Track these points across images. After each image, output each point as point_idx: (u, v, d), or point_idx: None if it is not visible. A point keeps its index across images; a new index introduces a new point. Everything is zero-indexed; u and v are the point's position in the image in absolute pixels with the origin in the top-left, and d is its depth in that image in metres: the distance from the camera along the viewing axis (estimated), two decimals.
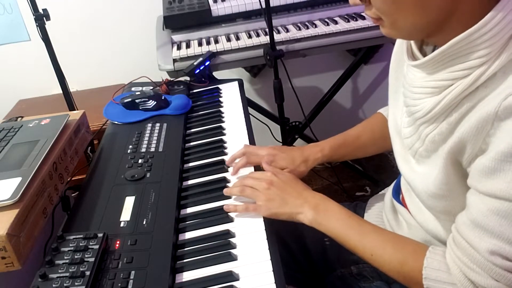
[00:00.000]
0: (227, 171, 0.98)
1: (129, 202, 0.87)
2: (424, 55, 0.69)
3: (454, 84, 0.63)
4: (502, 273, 0.61)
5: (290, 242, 1.04)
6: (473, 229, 0.63)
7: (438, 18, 0.62)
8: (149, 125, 1.15)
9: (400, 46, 0.83)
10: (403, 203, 0.88)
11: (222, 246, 0.78)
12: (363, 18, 1.54)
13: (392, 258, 0.74)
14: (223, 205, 0.87)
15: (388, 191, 0.97)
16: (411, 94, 0.71)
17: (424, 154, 0.72)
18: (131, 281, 0.70)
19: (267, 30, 1.43)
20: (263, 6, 1.41)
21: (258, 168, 0.99)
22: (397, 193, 0.92)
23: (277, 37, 1.48)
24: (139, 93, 1.23)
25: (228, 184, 0.93)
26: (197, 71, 1.38)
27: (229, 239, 0.79)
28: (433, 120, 0.69)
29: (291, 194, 0.87)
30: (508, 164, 0.57)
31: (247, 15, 1.64)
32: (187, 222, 0.85)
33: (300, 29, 1.54)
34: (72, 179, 1.03)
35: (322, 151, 1.02)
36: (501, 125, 0.57)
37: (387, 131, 0.88)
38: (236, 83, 1.39)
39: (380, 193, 1.04)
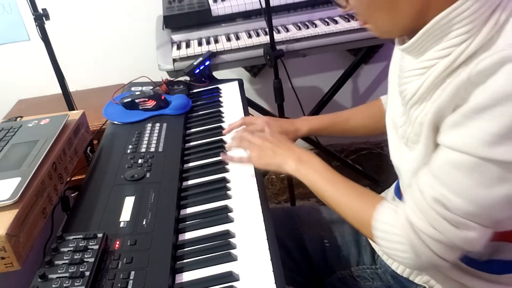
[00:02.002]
0: (227, 171, 0.98)
1: (129, 202, 0.87)
2: None
3: (437, 63, 0.65)
4: (441, 221, 0.64)
5: (289, 244, 1.04)
6: (427, 176, 0.67)
7: (413, 12, 0.65)
8: (149, 125, 1.14)
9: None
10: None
11: (222, 246, 0.78)
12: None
13: (352, 206, 0.79)
14: (223, 205, 0.87)
15: (390, 190, 0.98)
16: (402, 80, 0.73)
17: (414, 139, 0.73)
18: (130, 282, 0.69)
19: (267, 30, 1.43)
20: (263, 5, 1.40)
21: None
22: (399, 191, 0.92)
23: (277, 37, 1.48)
24: (138, 93, 1.23)
25: (228, 185, 0.93)
26: (197, 71, 1.37)
27: (229, 239, 0.79)
28: (420, 101, 0.70)
29: (281, 148, 0.93)
30: (471, 120, 0.59)
31: (247, 15, 1.63)
32: (187, 222, 0.85)
33: (300, 28, 1.54)
34: (72, 179, 1.03)
35: (309, 125, 1.10)
36: (474, 88, 0.59)
37: (380, 116, 0.91)
38: (236, 83, 1.39)
39: (381, 194, 1.04)
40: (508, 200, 0.61)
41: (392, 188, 0.97)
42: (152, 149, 1.03)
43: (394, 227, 0.70)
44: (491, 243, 0.71)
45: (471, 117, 0.59)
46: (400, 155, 0.79)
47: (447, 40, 0.64)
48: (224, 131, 1.09)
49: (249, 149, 0.96)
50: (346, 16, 1.58)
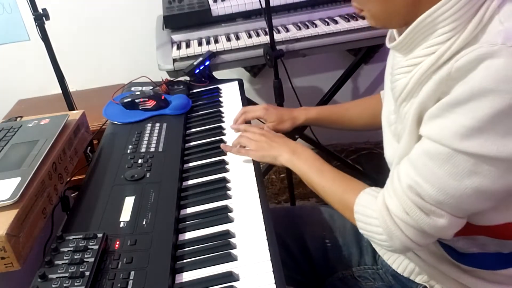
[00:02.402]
0: (227, 171, 0.98)
1: (129, 202, 0.87)
2: None
3: (423, 61, 0.67)
4: (413, 207, 0.67)
5: (290, 244, 1.04)
6: (406, 165, 0.69)
7: (406, 2, 0.66)
8: (149, 125, 1.14)
9: None
10: None
11: (222, 246, 0.77)
12: (364, 18, 1.53)
13: (337, 191, 0.84)
14: (223, 205, 0.87)
15: None
16: (393, 77, 0.75)
17: (402, 133, 0.75)
18: (130, 282, 0.69)
19: (267, 30, 1.43)
20: (263, 5, 1.40)
21: None
22: None
23: (277, 37, 1.47)
24: (138, 93, 1.23)
25: (228, 185, 0.93)
26: (197, 71, 1.37)
27: (229, 239, 0.79)
28: (409, 98, 0.71)
29: (277, 141, 0.99)
30: (448, 113, 0.61)
31: (247, 15, 1.63)
32: (187, 222, 0.85)
33: (300, 28, 1.54)
34: (72, 179, 1.03)
35: (307, 115, 1.13)
36: (453, 83, 0.61)
37: (379, 110, 0.92)
38: (236, 83, 1.39)
39: None
40: (477, 193, 0.63)
41: None
42: (152, 149, 1.03)
43: (372, 210, 0.73)
44: (476, 237, 0.73)
45: (448, 110, 0.61)
46: (392, 151, 0.80)
47: (433, 38, 0.65)
48: (231, 126, 1.14)
49: (247, 144, 1.01)
50: (346, 16, 1.58)
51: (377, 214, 0.72)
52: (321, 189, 0.87)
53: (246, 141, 1.01)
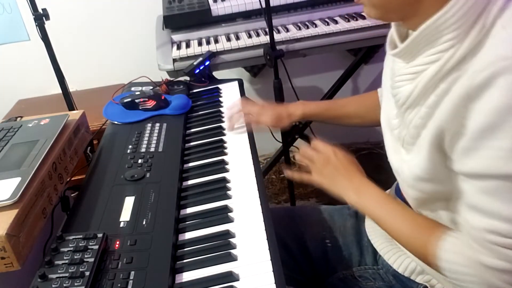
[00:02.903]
0: (227, 171, 0.98)
1: (129, 202, 0.87)
2: None
3: (428, 68, 0.66)
4: (504, 251, 0.62)
5: (290, 244, 1.03)
6: (469, 212, 0.65)
7: None
8: (149, 125, 1.14)
9: None
10: (405, 201, 0.88)
11: (222, 246, 0.77)
12: (364, 17, 1.54)
13: (413, 235, 0.77)
14: (223, 205, 0.87)
15: (391, 190, 0.98)
16: (395, 83, 0.74)
17: (410, 141, 0.74)
18: (130, 282, 0.69)
19: (267, 30, 1.43)
20: (263, 5, 1.40)
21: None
22: (399, 192, 0.92)
23: (277, 37, 1.47)
24: (138, 93, 1.23)
25: (228, 185, 0.93)
26: (197, 71, 1.37)
27: (229, 239, 0.79)
28: (414, 105, 0.71)
29: (342, 175, 0.91)
30: (482, 141, 0.59)
31: (247, 15, 1.63)
32: (187, 222, 0.85)
33: (300, 28, 1.53)
34: (72, 179, 1.03)
35: (304, 109, 1.12)
36: (473, 105, 0.60)
37: (375, 107, 0.92)
38: (236, 83, 1.39)
39: None
40: None
41: (392, 189, 0.97)
42: (152, 149, 1.03)
43: (463, 260, 0.68)
44: None
45: (481, 138, 0.59)
46: (398, 156, 0.80)
47: (436, 45, 0.65)
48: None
49: (310, 169, 0.94)
50: (346, 16, 1.58)
51: (471, 269, 0.67)
52: (395, 232, 0.81)
53: (309, 164, 0.94)
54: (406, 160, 0.76)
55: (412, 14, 0.67)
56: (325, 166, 0.92)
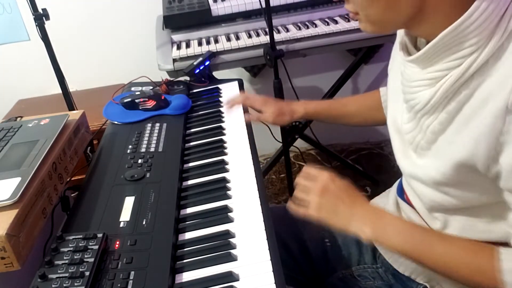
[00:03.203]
0: (227, 171, 0.98)
1: (129, 202, 0.87)
2: (419, 50, 0.70)
3: (448, 74, 0.65)
4: None
5: (290, 244, 1.03)
6: None
7: (410, 13, 0.65)
8: (149, 125, 1.14)
9: (397, 45, 0.83)
10: (407, 201, 0.88)
11: (222, 246, 0.77)
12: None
13: (465, 267, 0.69)
14: (223, 205, 0.87)
15: (392, 191, 0.97)
16: (409, 89, 0.73)
17: (425, 146, 0.73)
18: (130, 282, 0.69)
19: (267, 30, 1.43)
20: (263, 5, 1.40)
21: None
22: (401, 192, 0.92)
23: (277, 37, 1.47)
24: (138, 93, 1.23)
25: (228, 185, 0.93)
26: (197, 71, 1.37)
27: (229, 239, 0.79)
28: (432, 111, 0.70)
29: (344, 204, 0.79)
30: None
31: (247, 15, 1.63)
32: (187, 222, 0.85)
33: (300, 28, 1.54)
34: (72, 179, 1.03)
35: (305, 109, 1.12)
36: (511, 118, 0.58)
37: (377, 107, 0.91)
38: (236, 83, 1.39)
39: (381, 194, 1.04)
40: None
41: (394, 188, 0.96)
42: (152, 149, 1.03)
43: None
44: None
45: None
46: (408, 160, 0.79)
47: (458, 51, 0.64)
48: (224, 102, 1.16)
49: (305, 203, 0.81)
50: (346, 16, 1.58)
51: None
52: (437, 267, 0.72)
53: (304, 197, 0.82)
54: (420, 165, 0.75)
55: (415, 24, 0.66)
56: (323, 195, 0.79)
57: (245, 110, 1.21)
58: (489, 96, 0.61)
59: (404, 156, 0.80)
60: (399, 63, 0.83)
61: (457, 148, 0.67)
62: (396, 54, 0.84)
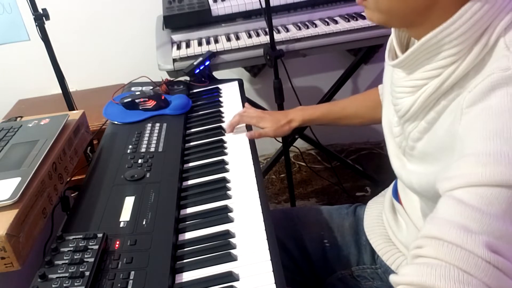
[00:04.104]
0: (227, 171, 0.98)
1: (129, 202, 0.87)
2: None
3: (428, 83, 0.65)
4: None
5: (289, 245, 1.03)
6: None
7: (419, 7, 0.62)
8: (149, 125, 1.14)
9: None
10: (400, 202, 0.89)
11: (222, 246, 0.77)
12: (364, 18, 1.54)
13: None
14: (223, 205, 0.87)
15: (388, 191, 0.98)
16: (395, 94, 0.73)
17: (408, 152, 0.74)
18: (130, 282, 0.69)
19: (267, 30, 1.43)
20: (263, 5, 1.40)
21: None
22: (396, 193, 0.92)
23: (277, 37, 1.47)
24: (139, 93, 1.23)
25: (228, 185, 0.93)
26: (197, 71, 1.37)
27: (229, 239, 0.79)
28: (413, 119, 0.70)
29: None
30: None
31: (247, 15, 1.63)
32: (187, 222, 0.85)
33: (300, 28, 1.54)
34: (72, 179, 1.03)
35: (303, 115, 1.12)
36: (464, 117, 0.57)
37: (376, 106, 0.91)
38: (236, 83, 1.39)
39: (379, 194, 1.04)
40: None
41: (390, 189, 0.97)
42: (152, 149, 1.03)
43: None
44: None
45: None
46: (399, 162, 0.79)
47: (437, 60, 0.63)
48: (225, 126, 1.14)
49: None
50: (346, 16, 1.58)
51: None
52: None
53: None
54: (410, 170, 0.75)
55: (418, 23, 0.64)
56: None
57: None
58: (456, 107, 0.60)
59: (396, 158, 0.81)
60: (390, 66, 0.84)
61: (431, 158, 0.67)
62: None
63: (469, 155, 0.54)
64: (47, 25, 1.35)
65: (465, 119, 0.57)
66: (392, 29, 0.74)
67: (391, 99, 0.76)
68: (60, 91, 1.45)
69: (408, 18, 0.65)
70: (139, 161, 0.99)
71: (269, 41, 1.42)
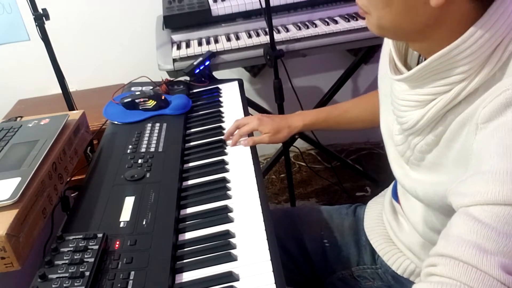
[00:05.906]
0: (227, 171, 0.98)
1: (129, 202, 0.87)
2: (409, 68, 0.68)
3: (436, 98, 0.64)
4: None
5: (289, 245, 1.03)
6: None
7: (423, 25, 0.62)
8: (149, 125, 1.14)
9: (385, 54, 0.82)
10: (399, 203, 0.89)
11: (222, 246, 0.77)
12: (364, 18, 1.54)
13: None
14: (223, 205, 0.87)
15: (388, 191, 0.97)
16: (398, 106, 0.72)
17: (415, 162, 0.74)
18: (130, 282, 0.69)
19: (267, 30, 1.43)
20: (263, 5, 1.40)
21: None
22: (395, 193, 0.92)
23: (277, 37, 1.47)
24: (139, 93, 1.23)
25: (228, 185, 0.93)
26: (197, 71, 1.37)
27: (229, 240, 0.79)
28: (419, 132, 0.70)
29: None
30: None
31: (247, 15, 1.63)
32: (187, 222, 0.85)
33: (300, 28, 1.53)
34: (72, 179, 1.03)
35: (303, 121, 1.11)
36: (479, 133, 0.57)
37: (377, 109, 0.90)
38: (236, 83, 1.39)
39: (379, 194, 1.04)
40: None
41: (389, 190, 0.96)
42: (152, 149, 1.03)
43: None
44: None
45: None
46: (401, 170, 0.79)
47: (448, 77, 0.62)
48: (224, 137, 1.09)
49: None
50: (346, 16, 1.58)
51: None
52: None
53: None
54: (414, 179, 0.75)
55: (422, 39, 0.64)
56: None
57: (245, 112, 1.21)
58: (466, 120, 0.60)
59: (398, 165, 0.80)
60: (385, 71, 0.82)
61: (442, 169, 0.67)
62: (384, 62, 0.82)
63: (485, 172, 0.54)
64: (47, 25, 1.35)
65: (481, 134, 0.57)
66: (390, 40, 0.73)
67: (392, 109, 0.75)
68: (60, 91, 1.45)
69: (411, 35, 0.65)
70: (139, 161, 0.99)
71: (269, 41, 1.42)
